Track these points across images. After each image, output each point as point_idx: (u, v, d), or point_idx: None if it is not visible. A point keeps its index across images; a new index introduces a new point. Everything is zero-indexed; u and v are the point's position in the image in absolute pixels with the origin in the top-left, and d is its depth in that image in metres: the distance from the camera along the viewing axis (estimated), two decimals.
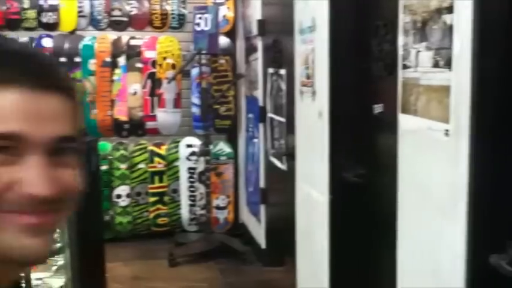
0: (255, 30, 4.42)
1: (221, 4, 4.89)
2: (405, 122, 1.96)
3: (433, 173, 1.74)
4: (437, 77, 1.71)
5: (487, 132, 1.53)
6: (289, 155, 3.50)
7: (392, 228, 2.07)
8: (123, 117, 4.86)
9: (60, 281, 3.23)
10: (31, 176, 0.60)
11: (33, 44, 4.72)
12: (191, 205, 4.85)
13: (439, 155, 1.70)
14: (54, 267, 3.31)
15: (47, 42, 4.79)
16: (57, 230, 3.18)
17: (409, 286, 2.00)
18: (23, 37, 4.76)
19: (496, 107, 1.53)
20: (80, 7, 4.83)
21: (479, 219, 1.52)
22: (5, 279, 0.66)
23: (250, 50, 4.67)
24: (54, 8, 4.80)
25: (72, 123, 0.64)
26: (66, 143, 0.64)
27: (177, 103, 4.88)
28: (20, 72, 0.61)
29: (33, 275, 3.16)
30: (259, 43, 4.37)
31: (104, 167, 4.76)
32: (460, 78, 1.57)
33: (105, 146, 4.84)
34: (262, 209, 4.43)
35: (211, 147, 4.56)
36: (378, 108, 2.49)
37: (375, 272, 2.65)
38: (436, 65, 1.73)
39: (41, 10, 4.80)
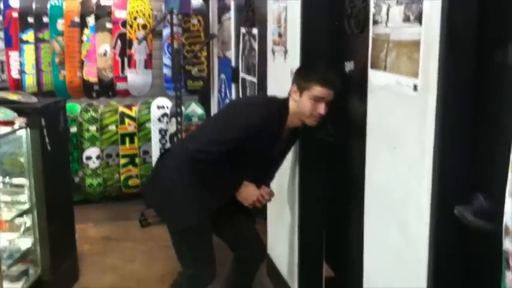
0: None
1: None
2: (375, 77, 1.95)
3: (401, 127, 1.74)
4: (408, 31, 1.70)
5: (455, 87, 1.53)
6: None
7: (362, 182, 2.08)
8: (93, 79, 4.76)
9: (28, 241, 3.19)
10: (321, 108, 2.39)
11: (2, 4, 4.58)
12: None
13: (407, 110, 1.70)
14: (22, 228, 3.27)
15: (14, 2, 4.63)
16: (26, 192, 3.13)
17: (376, 239, 2.02)
18: None
19: (464, 61, 1.53)
20: None
21: (445, 172, 1.53)
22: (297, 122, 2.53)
23: (223, 9, 4.59)
24: None
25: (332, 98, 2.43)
26: (330, 102, 2.42)
27: (147, 64, 4.79)
28: (328, 82, 2.40)
29: (2, 236, 3.13)
30: (232, 2, 4.29)
31: (73, 129, 4.69)
32: (429, 32, 1.56)
33: (75, 107, 4.76)
34: None
35: (183, 108, 4.51)
36: (349, 65, 2.47)
37: (343, 227, 2.68)
38: (406, 19, 1.71)
39: None
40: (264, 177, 2.65)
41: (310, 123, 2.46)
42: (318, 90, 2.37)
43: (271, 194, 2.60)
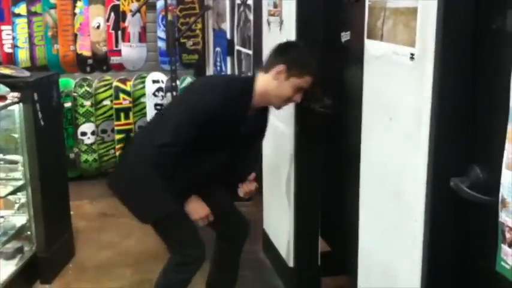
0: None
1: None
2: (371, 47, 1.90)
3: (398, 98, 1.70)
4: None
5: (453, 56, 1.48)
6: None
7: (358, 155, 2.05)
8: (87, 52, 4.70)
9: (23, 218, 3.17)
10: (298, 97, 2.32)
11: None
12: None
13: (403, 80, 1.65)
14: (17, 205, 3.25)
15: None
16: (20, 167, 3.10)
17: (372, 211, 2.00)
18: None
19: (462, 29, 1.48)
20: None
21: (441, 143, 1.49)
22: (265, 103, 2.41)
23: None
24: None
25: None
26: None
27: (142, 37, 4.72)
28: (318, 74, 2.31)
29: None
30: None
31: (67, 104, 4.64)
32: None
33: (68, 82, 4.69)
34: None
35: (178, 82, 4.45)
36: (345, 36, 2.42)
37: (339, 201, 2.65)
38: None
39: None
40: (243, 159, 2.53)
41: (277, 107, 2.39)
42: (308, 81, 2.28)
43: (256, 188, 2.50)
